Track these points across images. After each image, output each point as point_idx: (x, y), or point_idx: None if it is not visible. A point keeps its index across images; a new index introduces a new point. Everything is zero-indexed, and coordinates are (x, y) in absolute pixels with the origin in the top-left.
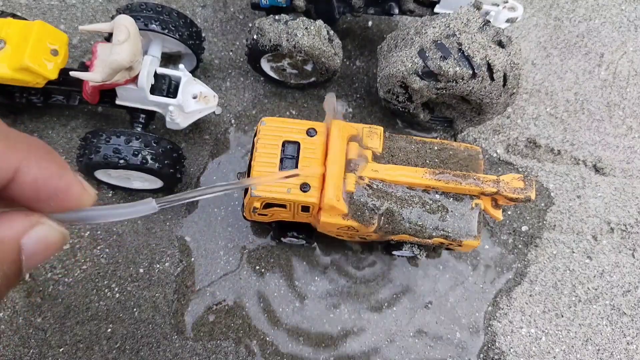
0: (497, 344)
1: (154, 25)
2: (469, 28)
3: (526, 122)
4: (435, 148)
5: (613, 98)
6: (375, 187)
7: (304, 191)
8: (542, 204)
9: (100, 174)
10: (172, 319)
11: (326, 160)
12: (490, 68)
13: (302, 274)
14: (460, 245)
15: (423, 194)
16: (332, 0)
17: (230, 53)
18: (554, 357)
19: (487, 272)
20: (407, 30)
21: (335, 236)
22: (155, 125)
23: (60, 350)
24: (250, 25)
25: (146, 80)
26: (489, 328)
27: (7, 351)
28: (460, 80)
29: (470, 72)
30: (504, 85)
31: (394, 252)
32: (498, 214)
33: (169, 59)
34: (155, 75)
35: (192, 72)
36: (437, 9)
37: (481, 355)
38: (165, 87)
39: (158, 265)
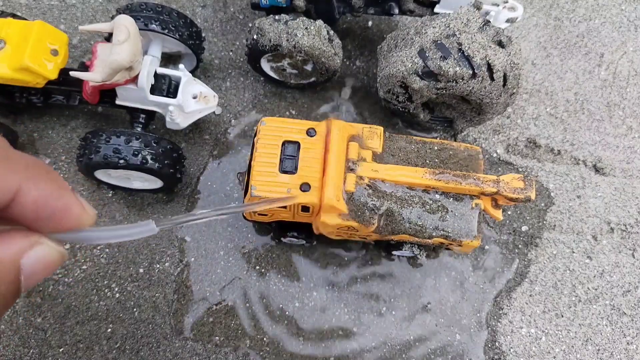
0: (497, 344)
1: (154, 25)
2: (469, 28)
3: (526, 122)
4: (435, 148)
5: (613, 98)
6: (375, 187)
7: (304, 191)
8: (542, 204)
9: (100, 174)
10: (172, 319)
11: (326, 161)
12: (490, 68)
13: (302, 274)
14: (460, 245)
15: (423, 194)
16: (332, 0)
17: (230, 53)
18: (554, 357)
19: (487, 272)
20: (407, 30)
21: (335, 237)
22: (155, 125)
23: (60, 350)
24: (250, 25)
25: (146, 80)
26: (489, 328)
27: (7, 351)
28: (460, 80)
29: (470, 72)
30: (504, 85)
31: (394, 252)
32: (498, 214)
33: (169, 59)
34: (155, 75)
35: (192, 72)
36: (437, 9)
37: (482, 355)
38: (165, 87)
39: (158, 265)
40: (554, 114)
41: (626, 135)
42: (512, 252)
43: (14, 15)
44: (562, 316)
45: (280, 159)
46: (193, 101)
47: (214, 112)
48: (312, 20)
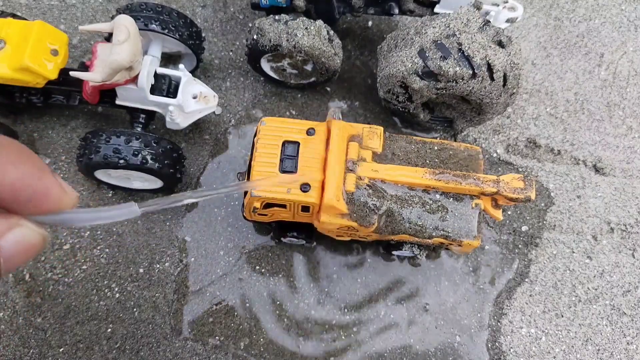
0: (497, 343)
1: (154, 25)
2: (469, 28)
3: (526, 122)
4: (435, 148)
5: (613, 98)
6: (375, 187)
7: (304, 191)
8: (542, 204)
9: (100, 174)
10: (172, 319)
11: (326, 162)
12: (490, 68)
13: (302, 274)
14: (460, 245)
15: (423, 194)
16: (332, 0)
17: (230, 53)
18: (554, 357)
19: (487, 273)
20: (407, 30)
21: (335, 237)
22: (155, 125)
23: (60, 350)
24: (250, 25)
25: (146, 80)
26: (490, 328)
27: (7, 351)
28: (460, 80)
29: (470, 72)
30: (504, 85)
31: (394, 252)
32: (498, 214)
33: (169, 59)
34: (155, 75)
35: (192, 72)
36: (437, 9)
37: (484, 355)
38: (165, 87)
39: (158, 265)
40: (554, 114)
41: (626, 135)
42: (512, 252)
43: (14, 15)
44: (562, 316)
45: (281, 159)
46: (193, 101)
47: (214, 112)
48: (312, 20)
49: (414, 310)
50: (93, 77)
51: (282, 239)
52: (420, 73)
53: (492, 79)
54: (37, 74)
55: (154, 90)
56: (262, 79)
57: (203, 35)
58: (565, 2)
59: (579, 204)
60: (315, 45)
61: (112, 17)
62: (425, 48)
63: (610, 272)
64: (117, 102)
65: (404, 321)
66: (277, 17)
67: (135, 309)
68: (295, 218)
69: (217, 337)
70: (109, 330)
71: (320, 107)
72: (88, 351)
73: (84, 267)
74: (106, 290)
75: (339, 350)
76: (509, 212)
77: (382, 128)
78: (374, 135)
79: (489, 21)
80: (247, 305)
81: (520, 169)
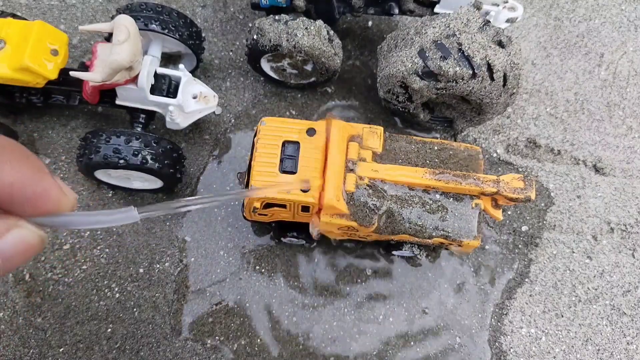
0: (497, 343)
1: (154, 25)
2: (469, 28)
3: (526, 122)
4: (435, 148)
5: (613, 98)
6: (375, 187)
7: (304, 191)
8: (542, 204)
9: (100, 174)
10: (172, 319)
11: (326, 162)
12: (490, 68)
13: (302, 275)
14: (460, 246)
15: (423, 194)
16: (332, 0)
17: (230, 53)
18: (554, 357)
19: (487, 273)
20: (407, 30)
21: (335, 237)
22: (155, 125)
23: (60, 350)
24: (250, 25)
25: (146, 80)
26: (490, 328)
27: (7, 351)
28: (460, 80)
29: (470, 72)
30: (504, 85)
31: (394, 252)
32: (498, 214)
33: (169, 59)
34: (155, 75)
35: (192, 72)
36: (437, 9)
37: (483, 355)
38: (165, 87)
39: (158, 265)
40: (554, 114)
41: (626, 135)
42: (512, 252)
43: (14, 15)
44: (562, 316)
45: (281, 159)
46: (193, 101)
47: (214, 112)
48: (312, 20)
49: (414, 311)
50: (93, 77)
51: (282, 239)
52: (420, 73)
53: (492, 79)
54: (37, 74)
55: (154, 90)
56: (262, 79)
57: (203, 35)
58: (565, 2)
59: (579, 204)
60: (315, 45)
61: (112, 17)
62: (425, 48)
63: (610, 272)
64: (117, 102)
65: (404, 322)
66: (277, 17)
67: (135, 309)
68: (295, 218)
69: (217, 337)
70: (109, 330)
71: (320, 107)
72: (88, 351)
73: (84, 267)
74: (106, 290)
75: (339, 350)
76: (509, 212)
77: (382, 128)
78: (374, 135)
79: (489, 21)
80: (247, 305)
81: (520, 169)
